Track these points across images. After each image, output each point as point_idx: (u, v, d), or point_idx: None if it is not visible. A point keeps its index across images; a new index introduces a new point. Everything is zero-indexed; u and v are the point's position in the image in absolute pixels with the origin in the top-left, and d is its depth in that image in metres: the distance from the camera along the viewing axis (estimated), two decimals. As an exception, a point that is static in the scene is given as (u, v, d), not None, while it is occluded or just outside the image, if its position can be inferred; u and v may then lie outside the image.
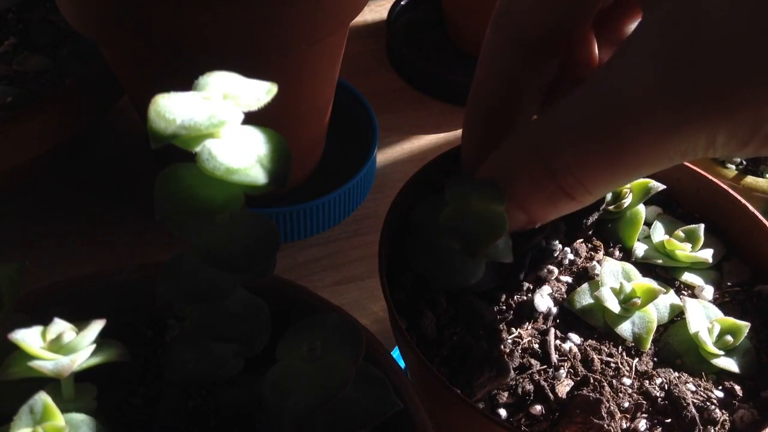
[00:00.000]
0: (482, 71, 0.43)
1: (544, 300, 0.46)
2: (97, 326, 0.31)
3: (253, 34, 0.49)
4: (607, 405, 0.40)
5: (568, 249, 0.49)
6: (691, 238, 0.48)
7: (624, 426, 0.41)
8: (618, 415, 0.40)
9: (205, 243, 0.32)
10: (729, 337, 0.43)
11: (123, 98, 0.65)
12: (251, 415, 0.38)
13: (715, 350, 0.43)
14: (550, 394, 0.41)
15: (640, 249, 0.49)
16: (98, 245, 0.65)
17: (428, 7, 0.89)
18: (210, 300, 0.35)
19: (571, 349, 0.43)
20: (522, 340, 0.44)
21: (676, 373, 0.43)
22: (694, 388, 0.42)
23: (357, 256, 0.66)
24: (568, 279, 0.47)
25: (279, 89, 0.32)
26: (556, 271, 0.47)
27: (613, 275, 0.46)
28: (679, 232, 0.49)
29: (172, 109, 0.29)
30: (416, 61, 0.81)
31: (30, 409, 0.29)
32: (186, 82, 0.32)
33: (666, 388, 0.42)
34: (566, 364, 0.43)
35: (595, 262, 0.48)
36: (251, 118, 0.31)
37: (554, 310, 0.46)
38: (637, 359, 0.44)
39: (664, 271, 0.48)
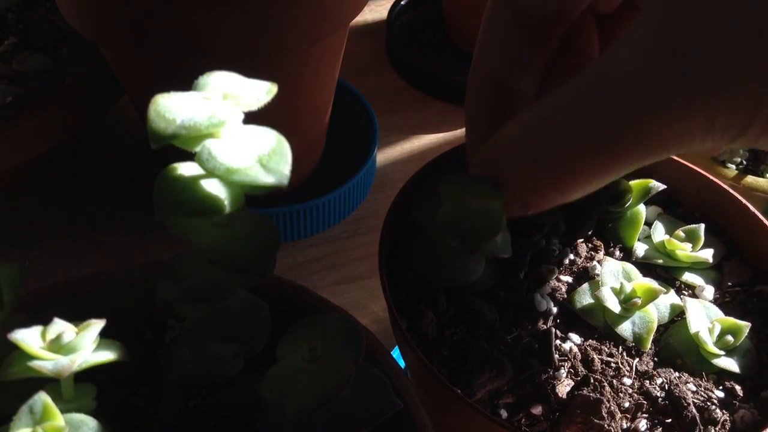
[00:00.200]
0: (481, 49, 0.42)
1: (544, 300, 0.46)
2: (97, 326, 0.31)
3: (253, 34, 0.49)
4: (608, 405, 0.40)
5: (568, 249, 0.49)
6: (691, 238, 0.48)
7: (624, 426, 0.41)
8: (618, 415, 0.40)
9: (205, 243, 0.32)
10: (729, 337, 0.43)
11: (123, 98, 0.65)
12: (251, 415, 0.38)
13: (716, 350, 0.43)
14: (551, 394, 0.41)
15: (640, 249, 0.49)
16: (98, 245, 0.64)
17: (428, 7, 0.89)
18: (210, 300, 0.35)
19: (571, 349, 0.43)
20: (522, 340, 0.44)
21: (677, 373, 0.43)
22: (694, 388, 0.42)
23: (357, 256, 0.66)
24: (569, 279, 0.47)
25: (279, 89, 0.32)
26: (556, 270, 0.47)
27: (614, 275, 0.46)
28: (680, 232, 0.49)
29: (172, 109, 0.29)
30: (416, 61, 0.81)
31: (30, 409, 0.29)
32: (186, 82, 0.32)
33: (666, 388, 0.42)
34: (566, 364, 0.43)
35: (595, 262, 0.48)
36: (251, 118, 0.31)
37: (554, 309, 0.46)
38: (637, 359, 0.43)
39: (664, 271, 0.48)
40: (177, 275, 0.35)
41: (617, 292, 0.44)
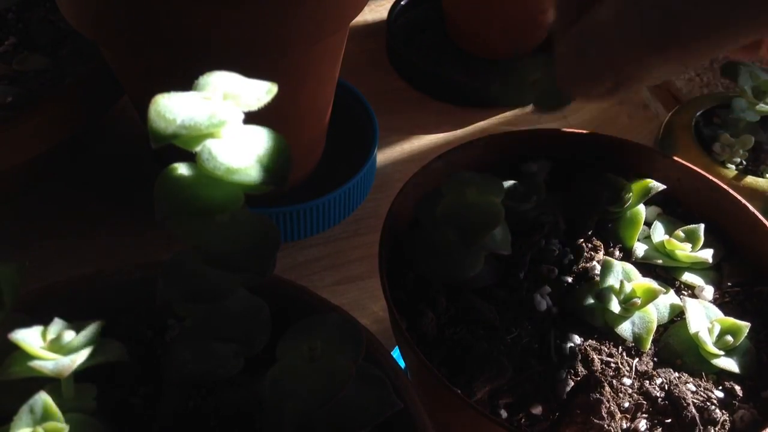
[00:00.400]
0: None
1: (544, 300, 0.46)
2: (97, 326, 0.31)
3: (253, 34, 0.49)
4: (608, 405, 0.40)
5: (568, 249, 0.49)
6: (691, 238, 0.48)
7: (624, 426, 0.41)
8: (618, 415, 0.41)
9: (205, 243, 0.32)
10: (729, 337, 0.43)
11: (123, 98, 0.65)
12: (251, 415, 0.38)
13: (716, 350, 0.43)
14: (551, 394, 0.41)
15: (640, 249, 0.49)
16: (98, 245, 0.64)
17: (428, 7, 0.89)
18: (210, 300, 0.35)
19: (571, 349, 0.43)
20: (522, 339, 0.44)
21: (676, 373, 0.43)
22: (694, 388, 0.42)
23: (357, 256, 0.66)
24: (568, 279, 0.47)
25: (279, 89, 0.32)
26: (556, 270, 0.47)
27: (614, 275, 0.46)
28: (679, 232, 0.49)
29: (172, 108, 0.29)
30: (416, 61, 0.81)
31: (30, 409, 0.29)
32: (186, 82, 0.32)
33: (666, 388, 0.42)
34: (566, 364, 0.43)
35: (595, 262, 0.48)
36: (251, 118, 0.31)
37: (554, 309, 0.46)
38: (637, 359, 0.44)
39: (664, 271, 0.49)
40: (177, 275, 0.35)
41: (617, 292, 0.44)
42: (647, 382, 0.42)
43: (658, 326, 0.44)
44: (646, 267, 0.48)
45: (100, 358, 0.31)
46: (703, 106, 0.69)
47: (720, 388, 0.43)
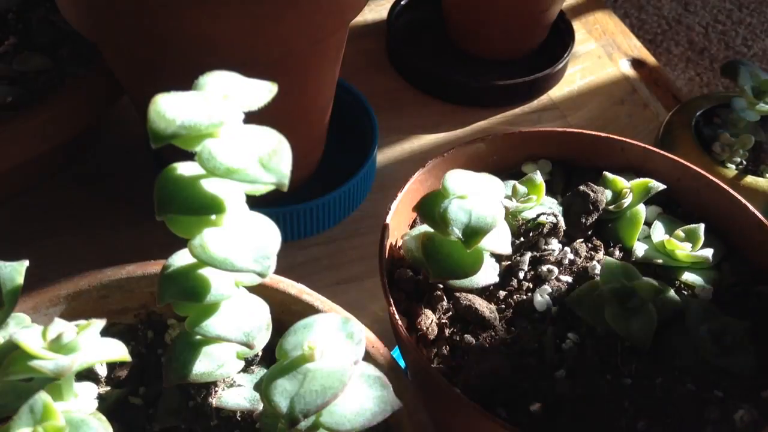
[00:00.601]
0: None
1: (543, 299, 0.46)
2: (97, 326, 0.31)
3: (253, 34, 0.49)
4: (608, 405, 0.40)
5: (568, 249, 0.49)
6: (691, 237, 0.48)
7: (624, 426, 0.41)
8: (618, 415, 0.40)
9: (205, 243, 0.32)
10: (729, 337, 0.43)
11: (123, 98, 0.65)
12: (251, 415, 0.38)
13: (716, 350, 0.43)
14: (549, 393, 0.41)
15: (640, 249, 0.49)
16: (98, 245, 0.65)
17: (428, 7, 0.88)
18: (210, 300, 0.35)
19: (570, 349, 0.43)
20: (522, 339, 0.44)
21: (676, 373, 0.43)
22: (694, 388, 0.42)
23: (357, 256, 0.66)
24: (568, 279, 0.47)
25: (279, 89, 0.32)
26: (556, 270, 0.47)
27: (614, 275, 0.45)
28: (679, 232, 0.49)
29: (172, 109, 0.29)
30: (416, 61, 0.81)
31: (30, 408, 0.29)
32: (186, 82, 0.32)
33: (666, 388, 0.42)
34: (566, 363, 0.43)
35: (595, 262, 0.48)
36: (251, 118, 0.31)
37: (554, 309, 0.46)
38: (637, 359, 0.43)
39: (664, 271, 0.48)
40: (177, 275, 0.35)
41: (616, 292, 0.44)
42: (647, 381, 0.42)
43: (658, 326, 0.44)
44: (646, 267, 0.48)
45: (100, 358, 0.31)
46: (703, 106, 0.69)
47: (720, 387, 0.43)
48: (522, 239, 0.49)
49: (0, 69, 0.63)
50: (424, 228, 0.48)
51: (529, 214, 0.49)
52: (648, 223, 0.50)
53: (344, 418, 0.32)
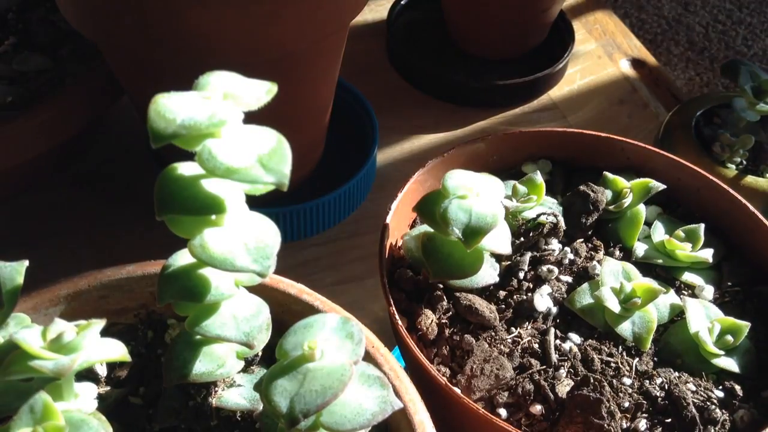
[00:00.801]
0: None
1: (544, 300, 0.46)
2: (97, 326, 0.31)
3: (253, 34, 0.49)
4: (608, 405, 0.40)
5: (568, 249, 0.49)
6: (691, 237, 0.48)
7: (624, 426, 0.41)
8: (618, 415, 0.40)
9: (205, 243, 0.32)
10: (729, 337, 0.43)
11: (123, 98, 0.65)
12: (251, 415, 0.38)
13: (716, 350, 0.43)
14: (550, 394, 0.41)
15: (640, 249, 0.49)
16: (98, 245, 0.65)
17: (428, 7, 0.88)
18: (210, 300, 0.35)
19: (571, 349, 0.43)
20: (522, 339, 0.44)
21: (677, 373, 0.43)
22: (694, 388, 0.42)
23: (357, 256, 0.66)
24: (568, 279, 0.47)
25: (279, 89, 0.32)
26: (556, 270, 0.47)
27: (613, 275, 0.46)
28: (680, 232, 0.49)
29: (172, 108, 0.29)
30: (416, 61, 0.81)
31: (30, 408, 0.29)
32: (186, 82, 0.32)
33: (666, 387, 0.42)
34: (566, 363, 0.43)
35: (595, 262, 0.48)
36: (251, 118, 0.31)
37: (554, 309, 0.46)
38: (637, 359, 0.43)
39: (664, 271, 0.48)
40: (177, 275, 0.35)
41: (617, 292, 0.44)
42: (647, 381, 0.42)
43: (658, 326, 0.44)
44: (646, 267, 0.48)
45: (100, 358, 0.31)
46: (703, 106, 0.69)
47: (720, 387, 0.43)
48: (522, 239, 0.49)
49: (0, 69, 0.63)
50: (424, 228, 0.48)
51: (529, 214, 0.49)
52: (648, 223, 0.50)
53: (344, 418, 0.32)
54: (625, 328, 0.44)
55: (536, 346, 0.44)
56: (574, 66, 0.86)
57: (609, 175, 0.51)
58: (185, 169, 0.32)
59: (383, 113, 0.74)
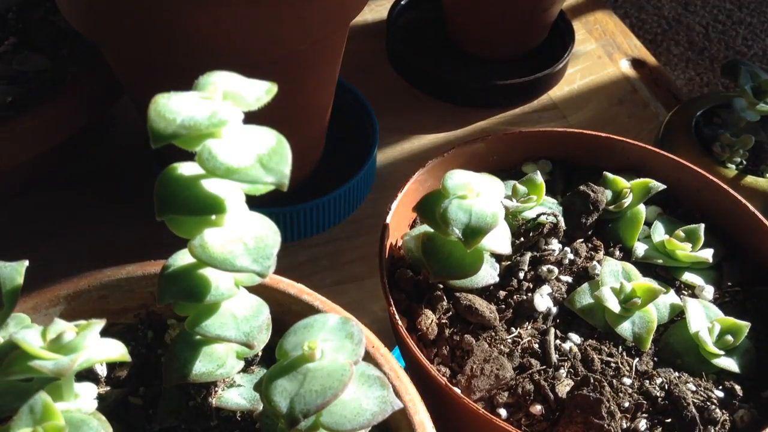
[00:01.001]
0: None
1: (544, 300, 0.46)
2: (97, 326, 0.31)
3: (253, 34, 0.49)
4: (608, 405, 0.40)
5: (568, 249, 0.49)
6: (691, 237, 0.48)
7: (624, 426, 0.41)
8: (618, 415, 0.40)
9: (205, 243, 0.32)
10: (729, 337, 0.43)
11: (123, 98, 0.65)
12: (251, 415, 0.38)
13: (716, 350, 0.43)
14: (550, 394, 0.41)
15: (640, 249, 0.49)
16: (98, 245, 0.64)
17: (428, 7, 0.89)
18: (210, 300, 0.35)
19: (571, 349, 0.43)
20: (522, 339, 0.44)
21: (677, 373, 0.43)
22: (694, 388, 0.42)
23: (357, 256, 0.66)
24: (568, 279, 0.47)
25: (279, 89, 0.32)
26: (556, 270, 0.47)
27: (613, 275, 0.46)
28: (680, 232, 0.49)
29: (172, 108, 0.29)
30: (416, 61, 0.81)
31: (30, 408, 0.29)
32: (186, 82, 0.32)
33: (666, 387, 0.42)
34: (566, 363, 0.43)
35: (595, 262, 0.48)
36: (251, 118, 0.31)
37: (554, 309, 0.46)
38: (637, 359, 0.43)
39: (664, 271, 0.48)
40: (177, 275, 0.35)
41: (617, 292, 0.44)
42: (647, 381, 0.42)
43: (658, 326, 0.44)
44: (646, 267, 0.48)
45: (99, 358, 0.31)
46: (703, 106, 0.69)
47: (720, 387, 0.43)
48: (522, 239, 0.49)
49: (0, 69, 0.63)
50: (424, 228, 0.48)
51: (529, 214, 0.49)
52: (648, 223, 0.50)
53: (344, 418, 0.32)
54: (625, 328, 0.44)
55: (536, 346, 0.44)
56: (574, 66, 0.86)
57: (609, 175, 0.51)
58: (185, 169, 0.32)
59: (383, 113, 0.74)
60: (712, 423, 0.41)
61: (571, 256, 0.48)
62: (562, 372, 0.42)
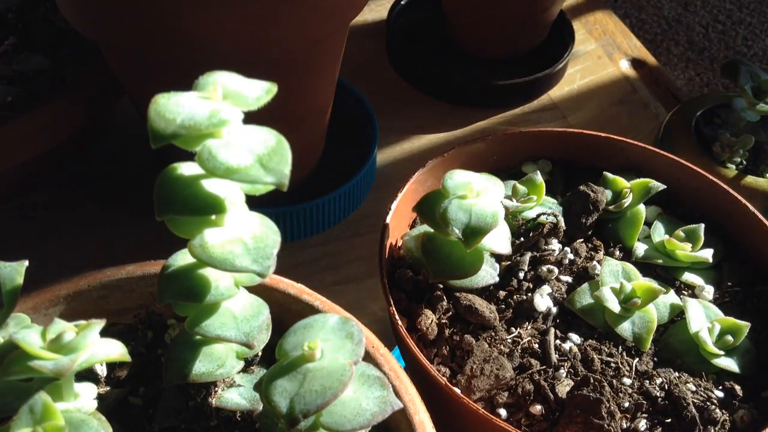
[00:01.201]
0: None
1: (544, 300, 0.46)
2: (97, 326, 0.31)
3: (253, 34, 0.49)
4: (607, 405, 0.40)
5: (568, 249, 0.49)
6: (691, 237, 0.48)
7: (624, 426, 0.41)
8: (618, 415, 0.40)
9: (205, 243, 0.32)
10: (729, 337, 0.43)
11: (123, 98, 0.65)
12: (251, 415, 0.38)
13: (716, 350, 0.43)
14: (550, 394, 0.41)
15: (640, 249, 0.49)
16: (98, 245, 0.65)
17: (428, 7, 0.89)
18: (209, 300, 0.35)
19: (571, 349, 0.43)
20: (522, 339, 0.44)
21: (677, 373, 0.43)
22: (694, 388, 0.42)
23: (357, 256, 0.66)
24: (568, 279, 0.47)
25: (279, 89, 0.32)
26: (556, 270, 0.47)
27: (613, 275, 0.46)
28: (680, 232, 0.49)
29: (172, 108, 0.29)
30: (417, 61, 0.81)
31: (30, 409, 0.29)
32: (186, 82, 0.32)
33: (666, 388, 0.42)
34: (566, 364, 0.43)
35: (595, 262, 0.48)
36: (251, 118, 0.31)
37: (554, 309, 0.46)
38: (637, 359, 0.43)
39: (664, 271, 0.48)
40: (177, 275, 0.35)
41: (617, 292, 0.44)
42: (647, 381, 0.42)
43: (658, 326, 0.44)
44: (646, 267, 0.48)
45: (99, 358, 0.31)
46: (703, 106, 0.69)
47: (720, 387, 0.43)
48: (522, 239, 0.49)
49: (0, 69, 0.63)
50: (424, 228, 0.48)
51: (529, 214, 0.49)
52: (648, 223, 0.50)
53: (344, 418, 0.32)
54: (625, 328, 0.44)
55: (536, 346, 0.44)
56: (574, 66, 0.86)
57: (609, 175, 0.51)
58: (185, 169, 0.32)
59: (383, 113, 0.74)
60: (712, 423, 0.41)
61: (571, 256, 0.48)
62: (562, 372, 0.42)
